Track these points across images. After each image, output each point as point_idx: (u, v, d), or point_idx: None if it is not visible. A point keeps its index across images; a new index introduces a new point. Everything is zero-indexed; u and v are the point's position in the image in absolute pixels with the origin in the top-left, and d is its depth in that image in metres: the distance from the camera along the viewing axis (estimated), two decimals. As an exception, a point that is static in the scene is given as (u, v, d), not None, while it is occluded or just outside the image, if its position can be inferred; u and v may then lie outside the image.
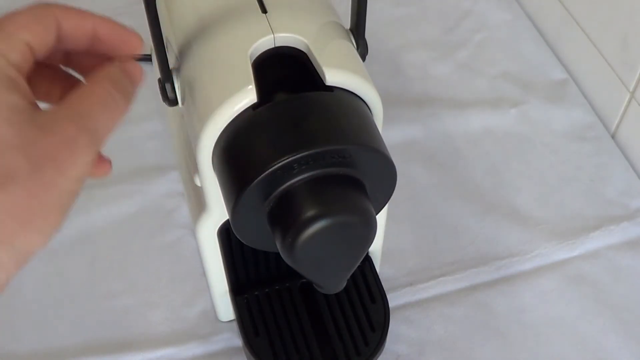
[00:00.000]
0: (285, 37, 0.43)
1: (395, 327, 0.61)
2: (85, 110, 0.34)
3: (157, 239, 0.67)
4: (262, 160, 0.39)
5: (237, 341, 0.61)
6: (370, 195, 0.41)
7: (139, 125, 0.75)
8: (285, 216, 0.39)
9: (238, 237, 0.43)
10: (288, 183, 0.39)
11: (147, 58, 0.79)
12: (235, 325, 0.60)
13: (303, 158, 0.39)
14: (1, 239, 0.31)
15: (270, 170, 0.38)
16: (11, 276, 0.33)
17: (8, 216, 0.31)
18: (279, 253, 0.57)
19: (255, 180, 0.39)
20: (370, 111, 0.44)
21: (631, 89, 0.71)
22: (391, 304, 0.59)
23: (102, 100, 0.35)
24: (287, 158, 0.38)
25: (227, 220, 0.50)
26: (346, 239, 0.40)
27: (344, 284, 0.45)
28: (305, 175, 0.39)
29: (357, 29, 0.46)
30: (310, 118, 0.40)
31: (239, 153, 0.41)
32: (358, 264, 0.43)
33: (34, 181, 0.31)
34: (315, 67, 0.42)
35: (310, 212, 0.38)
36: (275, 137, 0.40)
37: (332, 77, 0.42)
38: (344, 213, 0.39)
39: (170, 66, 0.46)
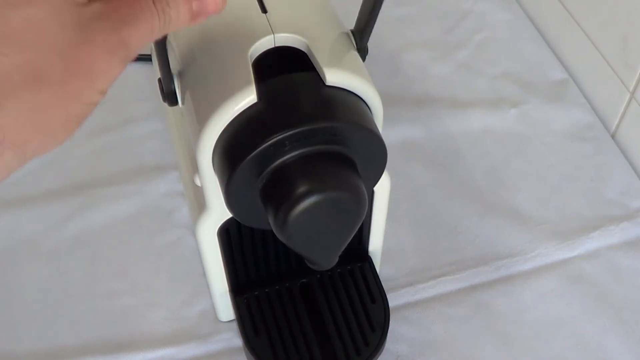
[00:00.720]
0: (285, 37, 0.44)
1: (395, 327, 0.61)
2: (129, 17, 0.32)
3: (157, 239, 0.67)
4: (255, 137, 0.40)
5: (237, 341, 0.61)
6: (362, 173, 0.42)
7: (139, 125, 0.75)
8: (277, 192, 0.40)
9: (232, 214, 0.44)
10: (280, 160, 0.40)
11: (147, 58, 0.79)
12: (235, 325, 0.60)
13: (294, 135, 0.39)
14: (16, 142, 0.30)
15: (262, 147, 0.39)
16: (12, 173, 0.32)
17: (29, 120, 0.30)
18: (278, 253, 0.57)
19: (248, 157, 0.39)
20: (371, 111, 0.44)
21: (631, 89, 0.71)
22: (391, 304, 0.59)
23: (147, 8, 0.32)
24: (279, 135, 0.39)
25: (227, 220, 0.50)
26: (337, 214, 0.41)
27: (336, 260, 0.45)
28: (297, 152, 0.40)
29: (363, 34, 0.46)
30: (301, 96, 0.41)
31: (234, 139, 0.41)
32: (349, 239, 0.44)
33: (64, 88, 0.30)
34: (315, 67, 0.43)
35: (301, 188, 0.39)
36: (267, 115, 0.40)
37: (332, 77, 0.42)
38: (335, 189, 0.40)
39: (171, 66, 0.46)
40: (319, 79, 0.42)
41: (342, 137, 0.40)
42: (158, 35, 0.33)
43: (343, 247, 0.45)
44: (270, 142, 0.39)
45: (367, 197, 0.41)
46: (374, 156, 0.43)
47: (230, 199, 0.42)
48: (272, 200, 0.41)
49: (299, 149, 0.40)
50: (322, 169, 0.40)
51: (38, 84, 0.29)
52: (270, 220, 0.41)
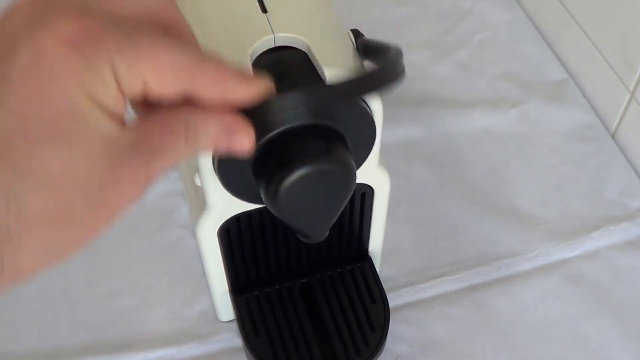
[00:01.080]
0: (286, 37, 0.44)
1: (395, 327, 0.61)
2: (161, 149, 0.31)
3: (157, 239, 0.67)
4: (245, 112, 0.40)
5: (237, 341, 0.61)
6: (351, 148, 0.42)
7: (139, 125, 0.75)
8: (268, 165, 0.40)
9: (225, 189, 0.44)
10: (271, 133, 0.40)
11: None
12: (235, 325, 0.60)
13: None
14: (27, 271, 0.30)
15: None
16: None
17: (44, 254, 0.30)
18: (278, 253, 0.57)
19: None
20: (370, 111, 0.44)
21: (631, 89, 0.71)
22: (391, 304, 0.59)
23: (178, 138, 0.31)
24: None
25: (227, 220, 0.50)
26: (327, 187, 0.42)
27: (327, 233, 0.46)
28: (288, 125, 0.40)
29: (366, 48, 0.46)
30: (292, 72, 0.41)
31: None
32: (339, 212, 0.44)
33: (84, 227, 0.30)
34: (316, 67, 0.43)
35: (292, 161, 0.40)
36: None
37: (332, 77, 0.42)
38: (324, 162, 0.40)
39: (171, 66, 0.46)
40: (317, 76, 0.42)
41: (332, 111, 0.41)
42: (180, 161, 0.33)
43: (333, 220, 0.45)
44: None
45: (356, 171, 0.42)
46: (363, 131, 0.44)
47: (223, 174, 0.43)
48: (263, 173, 0.41)
49: (290, 122, 0.40)
50: (312, 142, 0.41)
51: (60, 224, 0.29)
52: (262, 193, 0.42)
